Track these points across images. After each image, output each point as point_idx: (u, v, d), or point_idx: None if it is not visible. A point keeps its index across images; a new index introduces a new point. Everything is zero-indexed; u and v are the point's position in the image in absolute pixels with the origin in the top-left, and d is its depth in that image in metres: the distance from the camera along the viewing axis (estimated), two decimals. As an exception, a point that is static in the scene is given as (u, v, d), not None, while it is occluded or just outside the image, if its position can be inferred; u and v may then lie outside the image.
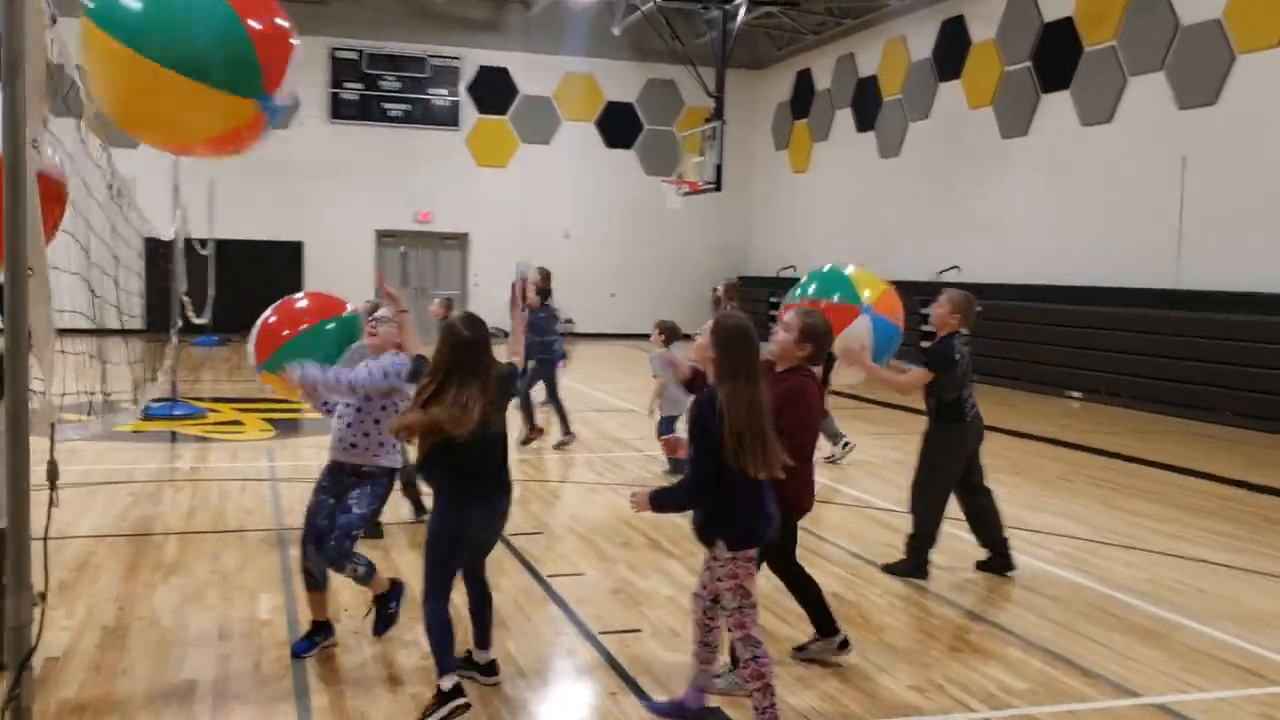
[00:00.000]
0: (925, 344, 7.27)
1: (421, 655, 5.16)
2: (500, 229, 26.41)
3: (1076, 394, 16.66)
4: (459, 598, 4.76)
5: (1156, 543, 7.82)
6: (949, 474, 6.71)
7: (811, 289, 6.61)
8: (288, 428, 12.12)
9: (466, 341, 4.47)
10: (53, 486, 3.18)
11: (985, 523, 6.91)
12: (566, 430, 11.13)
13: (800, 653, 5.31)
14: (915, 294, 20.64)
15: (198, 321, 17.05)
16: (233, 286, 22.41)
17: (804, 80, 26.31)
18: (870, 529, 8.08)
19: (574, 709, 4.78)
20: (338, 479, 5.30)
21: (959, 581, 6.71)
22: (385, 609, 5.33)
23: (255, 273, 23.22)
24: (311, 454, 10.45)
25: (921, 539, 6.74)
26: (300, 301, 6.58)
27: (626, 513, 8.31)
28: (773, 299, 25.95)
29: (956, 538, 7.14)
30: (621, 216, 27.06)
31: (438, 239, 26.65)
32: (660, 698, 4.73)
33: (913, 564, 6.74)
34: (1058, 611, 6.17)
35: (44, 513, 3.79)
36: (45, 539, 3.84)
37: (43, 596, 2.73)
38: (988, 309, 18.44)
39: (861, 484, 9.74)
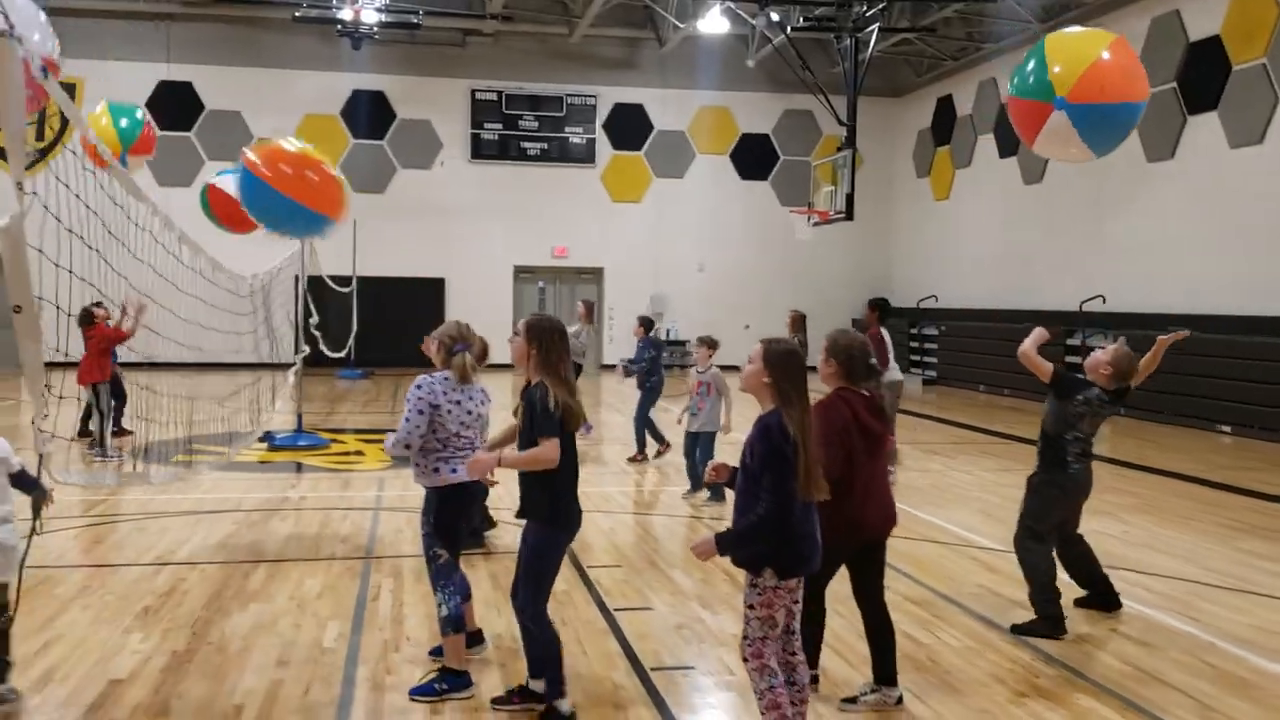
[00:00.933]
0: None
1: (473, 710, 5.18)
2: (635, 263, 26.65)
3: (1226, 428, 15.72)
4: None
5: (1274, 587, 7.28)
6: (1048, 521, 6.33)
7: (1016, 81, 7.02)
8: (405, 460, 12.38)
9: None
10: (36, 515, 3.26)
11: (1082, 569, 6.59)
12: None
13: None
14: (1060, 323, 19.96)
15: (332, 355, 17.69)
16: (377, 322, 23.26)
17: (945, 106, 25.78)
18: (966, 568, 7.75)
19: (607, 745, 4.71)
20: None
21: (1045, 624, 6.36)
22: (440, 683, 5.09)
23: (399, 308, 24.02)
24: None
25: (1039, 591, 6.20)
26: None
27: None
28: (912, 329, 25.44)
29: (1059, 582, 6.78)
30: (756, 248, 26.95)
31: (574, 273, 27.04)
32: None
33: (1044, 624, 6.13)
34: (1146, 658, 5.79)
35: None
36: (21, 567, 4.02)
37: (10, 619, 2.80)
38: (1133, 341, 17.73)
39: (966, 520, 9.37)
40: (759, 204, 27.16)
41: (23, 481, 4.58)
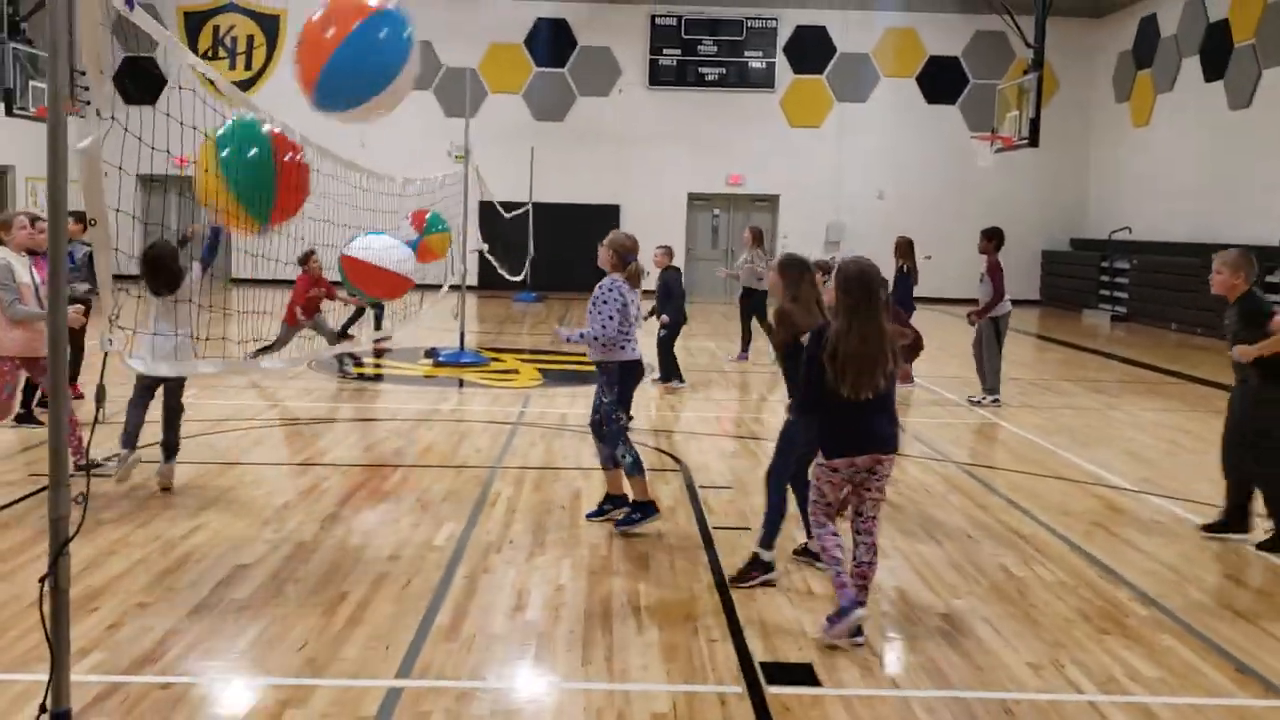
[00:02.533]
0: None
1: (554, 588, 5.49)
2: (811, 191, 26.30)
3: None
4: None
5: None
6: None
7: None
8: (556, 378, 12.87)
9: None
10: (99, 406, 3.67)
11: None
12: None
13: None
14: (1264, 260, 18.72)
15: (509, 278, 18.35)
16: (553, 247, 23.87)
17: (1148, 27, 24.24)
18: (1087, 506, 7.56)
19: (666, 649, 4.89)
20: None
21: (1153, 568, 6.20)
22: (635, 514, 6.45)
23: (574, 234, 24.51)
24: (565, 403, 11.09)
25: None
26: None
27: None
28: (1104, 263, 24.33)
29: (1187, 522, 6.58)
30: (940, 176, 26.14)
31: (748, 201, 26.92)
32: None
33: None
34: (1254, 603, 5.61)
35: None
36: (88, 463, 4.43)
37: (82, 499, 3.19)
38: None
39: (1106, 460, 9.07)
40: (946, 130, 26.27)
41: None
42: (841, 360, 4.81)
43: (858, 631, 4.86)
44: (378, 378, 12.69)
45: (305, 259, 12.07)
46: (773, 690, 4.42)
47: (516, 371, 13.33)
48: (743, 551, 6.11)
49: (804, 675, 4.58)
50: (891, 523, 6.92)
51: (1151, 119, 24.00)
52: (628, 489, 6.56)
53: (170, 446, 7.19)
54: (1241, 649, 4.97)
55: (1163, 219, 23.06)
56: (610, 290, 6.36)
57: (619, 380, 6.45)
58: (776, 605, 5.40)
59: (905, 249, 12.55)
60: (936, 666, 4.71)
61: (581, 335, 6.38)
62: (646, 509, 6.48)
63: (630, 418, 7.08)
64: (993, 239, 11.34)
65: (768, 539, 5.67)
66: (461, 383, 12.50)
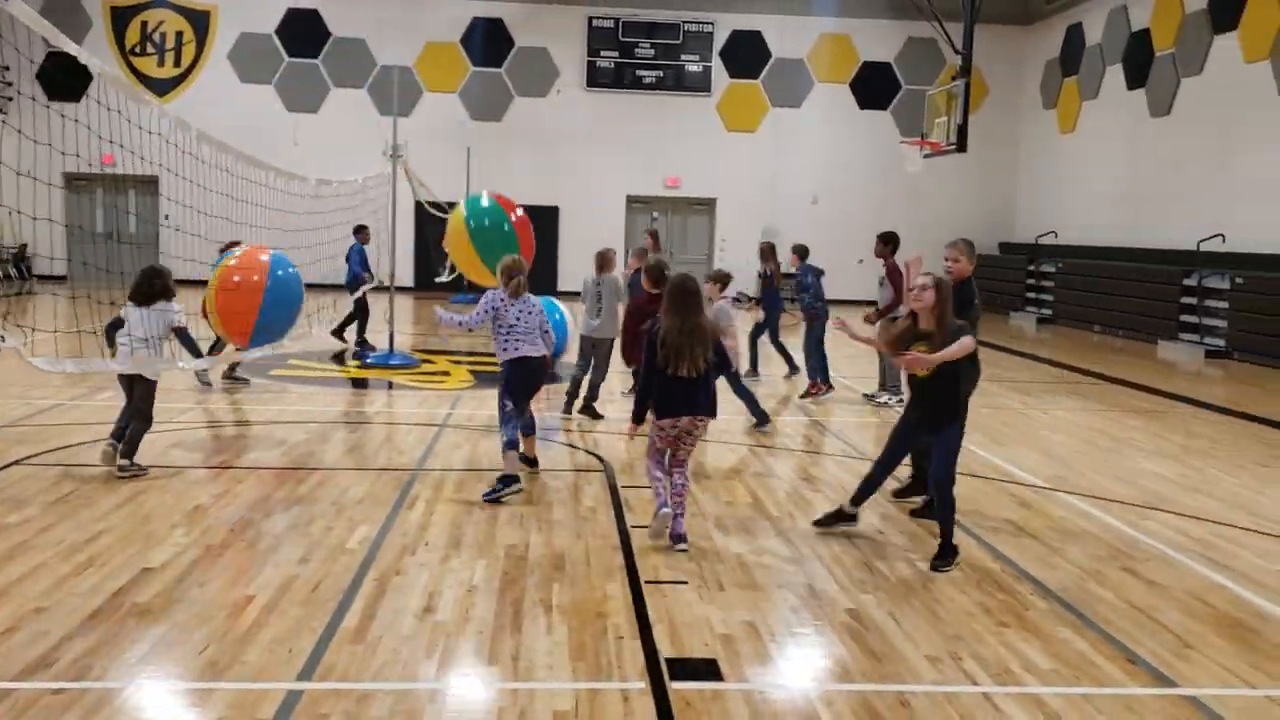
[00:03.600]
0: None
1: (465, 589, 5.49)
2: (747, 194, 26.51)
3: (1345, 375, 14.98)
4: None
5: (1320, 535, 7.06)
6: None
7: None
8: (488, 380, 12.81)
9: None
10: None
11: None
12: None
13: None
14: (1175, 263, 19.19)
15: (441, 280, 18.27)
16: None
17: (1074, 35, 24.75)
18: (998, 504, 7.71)
19: (574, 648, 4.91)
20: None
21: (1056, 562, 6.34)
22: (500, 484, 7.28)
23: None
24: (494, 405, 11.03)
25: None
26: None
27: (749, 474, 8.37)
28: (1030, 266, 24.76)
29: (1092, 518, 6.73)
30: (873, 181, 26.49)
31: (686, 204, 27.06)
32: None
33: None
34: (1146, 596, 5.75)
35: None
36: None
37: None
38: (1249, 281, 16.99)
39: (1022, 458, 9.26)
40: (878, 135, 26.61)
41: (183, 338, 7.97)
42: (668, 347, 6.22)
43: (680, 540, 6.27)
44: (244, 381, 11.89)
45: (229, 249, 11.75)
46: (676, 686, 4.46)
47: (447, 373, 13.28)
48: (661, 551, 6.17)
49: (708, 670, 4.64)
50: (807, 520, 7.01)
51: (1077, 125, 24.50)
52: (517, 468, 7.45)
53: (119, 435, 7.79)
54: (1135, 640, 5.11)
55: (1087, 223, 23.56)
56: (486, 297, 7.56)
57: (506, 376, 7.58)
58: (686, 602, 5.45)
59: (768, 253, 13.08)
60: (838, 660, 4.79)
61: (460, 322, 7.54)
62: (509, 480, 7.32)
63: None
64: (889, 243, 11.52)
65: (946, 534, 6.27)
66: (391, 385, 12.42)
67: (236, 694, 4.25)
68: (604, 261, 10.77)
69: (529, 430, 7.96)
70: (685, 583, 5.73)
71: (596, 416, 10.31)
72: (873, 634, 5.10)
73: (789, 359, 13.26)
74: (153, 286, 7.81)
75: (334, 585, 5.52)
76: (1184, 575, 6.15)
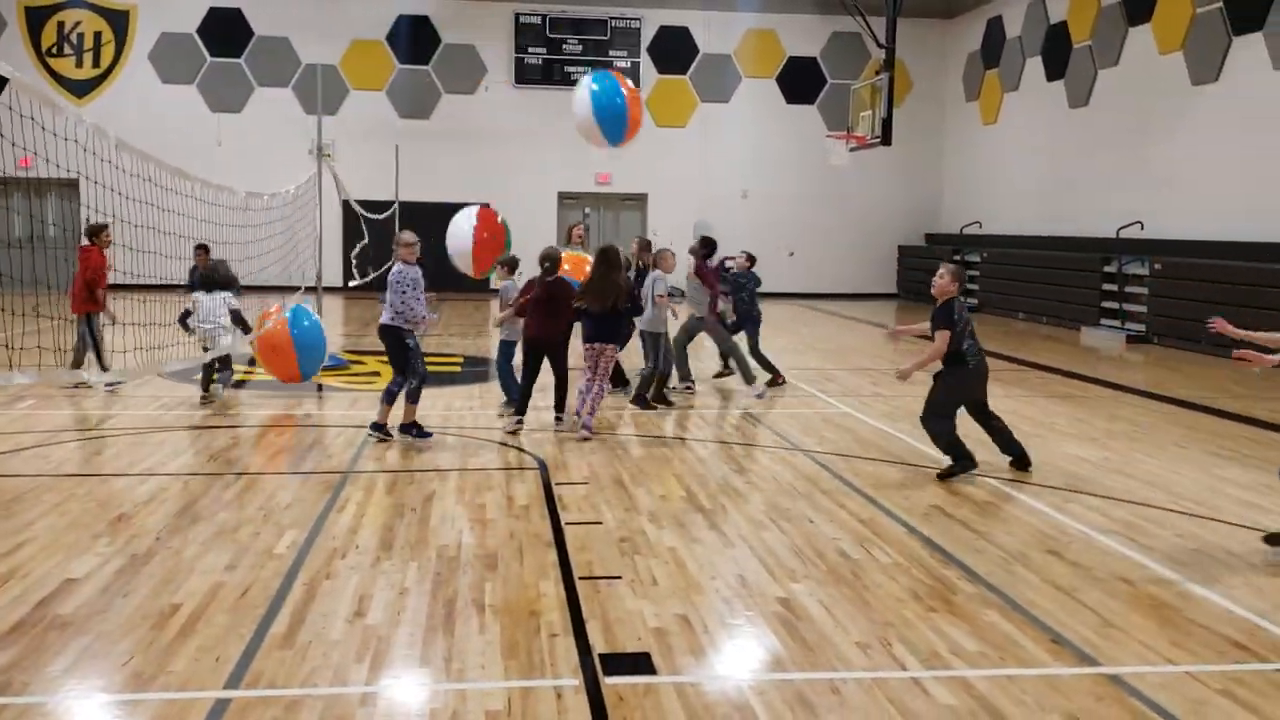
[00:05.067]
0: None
1: (397, 592, 5.45)
2: (678, 189, 26.59)
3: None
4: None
5: (1235, 514, 7.26)
6: (952, 406, 8.21)
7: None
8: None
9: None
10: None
11: (1002, 438, 8.38)
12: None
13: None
14: (1096, 250, 19.61)
15: (358, 282, 18.06)
16: (423, 248, 23.53)
17: (995, 28, 25.15)
18: (927, 492, 7.83)
19: (507, 646, 4.90)
20: None
21: (983, 546, 6.46)
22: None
23: (442, 233, 24.23)
24: (425, 405, 10.96)
25: (949, 447, 8.11)
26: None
27: (681, 467, 8.41)
28: (955, 257, 25.13)
29: (1018, 502, 6.85)
30: (801, 175, 26.69)
31: (618, 200, 27.07)
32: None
33: (958, 466, 8.09)
34: (1069, 577, 5.88)
35: None
36: None
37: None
38: (1167, 267, 17.41)
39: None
40: (806, 129, 26.81)
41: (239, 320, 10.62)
42: (590, 294, 9.28)
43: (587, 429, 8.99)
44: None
45: (98, 231, 10.93)
46: (609, 681, 4.47)
47: (378, 374, 13.15)
48: (595, 547, 6.18)
49: (641, 665, 4.65)
50: (738, 511, 7.07)
51: (999, 117, 24.92)
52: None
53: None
54: (1059, 621, 5.22)
55: (1010, 213, 23.98)
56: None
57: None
58: (620, 597, 5.46)
59: (644, 248, 13.09)
60: (770, 650, 4.84)
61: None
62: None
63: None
64: (704, 246, 11.92)
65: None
66: (320, 387, 12.26)
67: (162, 704, 4.19)
68: (654, 258, 11.17)
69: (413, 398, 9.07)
70: (619, 578, 5.75)
71: (669, 404, 10.97)
72: (804, 623, 5.15)
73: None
74: (216, 274, 10.70)
75: (262, 591, 5.45)
76: (1106, 556, 6.30)
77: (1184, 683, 4.56)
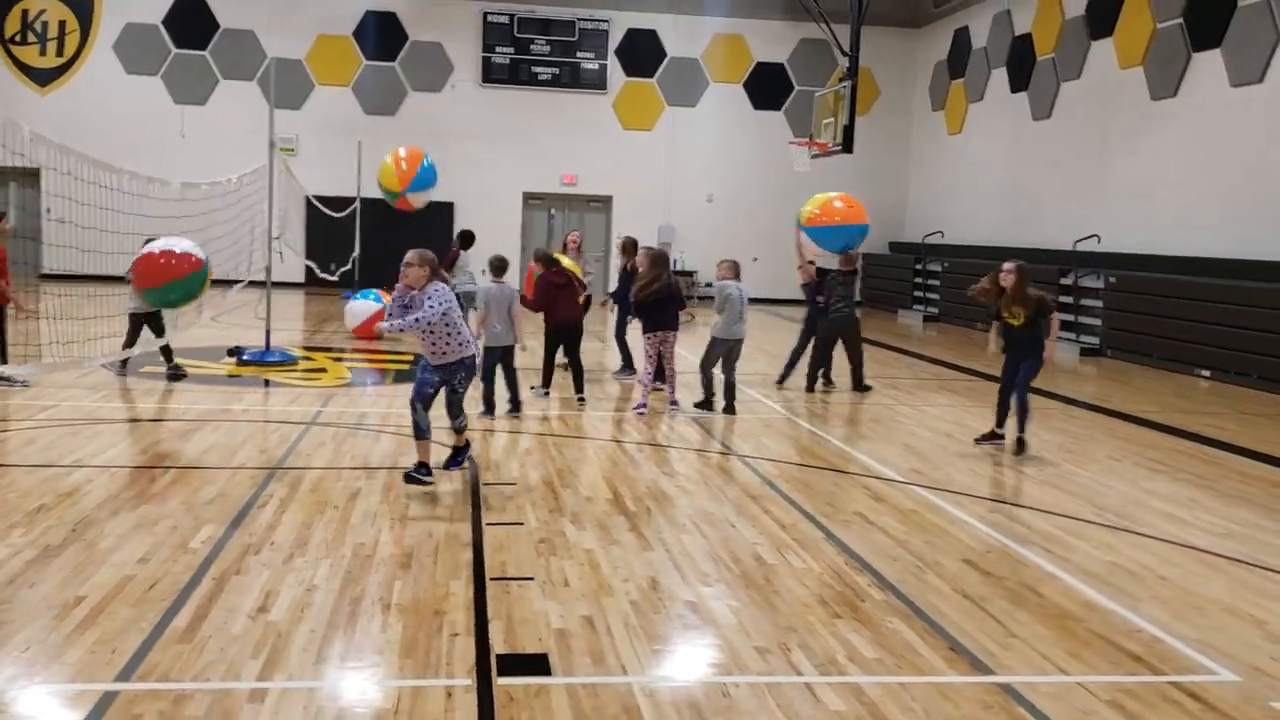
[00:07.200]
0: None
1: (305, 589, 5.44)
2: (644, 193, 26.62)
3: (1205, 372, 15.57)
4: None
5: (1155, 527, 7.34)
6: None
7: None
8: (363, 377, 12.70)
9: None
10: None
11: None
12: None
13: None
14: (1053, 262, 19.76)
15: (322, 276, 18.01)
16: (383, 243, 23.46)
17: (961, 38, 25.32)
18: (851, 497, 7.88)
19: (406, 646, 4.90)
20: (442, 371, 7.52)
21: (899, 554, 6.51)
22: (457, 456, 7.68)
23: (406, 231, 24.17)
24: (367, 403, 10.98)
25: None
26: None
27: (614, 470, 8.43)
28: (917, 265, 25.29)
29: (942, 512, 6.89)
30: (766, 180, 26.73)
31: (583, 201, 27.07)
32: (501, 642, 4.86)
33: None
34: (980, 587, 5.93)
35: None
36: None
37: None
38: (1123, 281, 17.57)
39: (881, 453, 9.47)
40: (771, 135, 26.85)
41: None
42: (651, 294, 10.62)
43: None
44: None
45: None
46: (502, 681, 4.48)
47: (325, 370, 13.11)
48: (513, 548, 6.19)
49: (537, 665, 4.66)
50: (661, 514, 7.10)
51: (964, 127, 25.09)
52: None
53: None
54: (961, 630, 5.27)
55: (972, 223, 24.14)
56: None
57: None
58: (528, 598, 5.47)
59: (629, 249, 13.27)
60: (669, 652, 4.86)
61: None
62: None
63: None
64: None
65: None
66: (267, 382, 12.22)
67: (49, 695, 4.17)
68: (736, 270, 11.46)
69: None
70: (531, 579, 5.76)
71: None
72: (708, 626, 5.18)
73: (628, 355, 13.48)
74: None
75: (170, 585, 5.43)
76: (1020, 567, 6.36)
77: (1073, 692, 4.62)
